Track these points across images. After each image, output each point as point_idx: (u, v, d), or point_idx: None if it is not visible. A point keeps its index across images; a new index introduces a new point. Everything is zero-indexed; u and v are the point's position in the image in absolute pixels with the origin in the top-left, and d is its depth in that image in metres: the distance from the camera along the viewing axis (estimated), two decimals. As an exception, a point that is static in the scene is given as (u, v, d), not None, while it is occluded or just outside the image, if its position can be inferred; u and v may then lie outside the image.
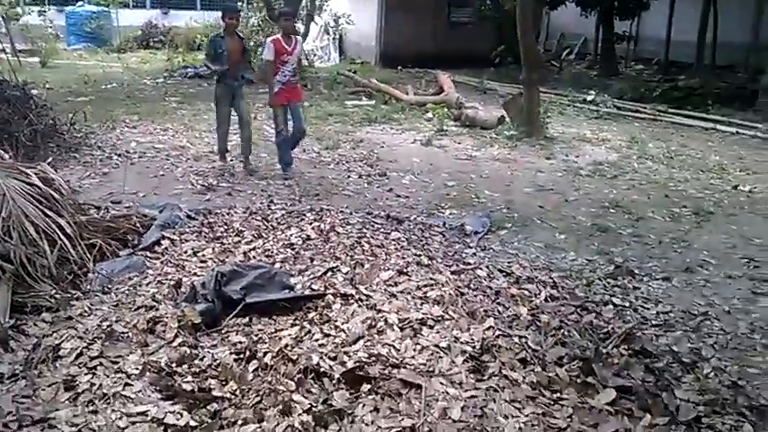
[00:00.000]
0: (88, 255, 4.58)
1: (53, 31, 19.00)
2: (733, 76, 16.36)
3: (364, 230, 5.63)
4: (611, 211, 7.12)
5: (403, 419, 2.89)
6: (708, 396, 3.22)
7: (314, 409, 2.94)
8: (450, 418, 2.92)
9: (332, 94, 13.66)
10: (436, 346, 3.48)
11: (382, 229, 5.76)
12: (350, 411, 2.93)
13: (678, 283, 5.32)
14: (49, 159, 5.74)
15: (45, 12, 19.56)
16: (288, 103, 7.58)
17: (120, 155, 8.26)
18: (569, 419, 2.94)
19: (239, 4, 20.41)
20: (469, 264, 5.10)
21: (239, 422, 2.88)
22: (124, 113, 10.80)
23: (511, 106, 11.07)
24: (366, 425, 2.87)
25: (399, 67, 17.75)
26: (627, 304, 4.81)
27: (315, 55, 19.35)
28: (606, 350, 3.53)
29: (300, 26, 17.17)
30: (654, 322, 4.57)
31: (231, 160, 8.19)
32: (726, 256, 5.94)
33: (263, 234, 5.55)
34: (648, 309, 4.80)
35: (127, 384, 3.17)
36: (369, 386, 3.08)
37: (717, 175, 8.77)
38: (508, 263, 5.30)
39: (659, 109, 13.04)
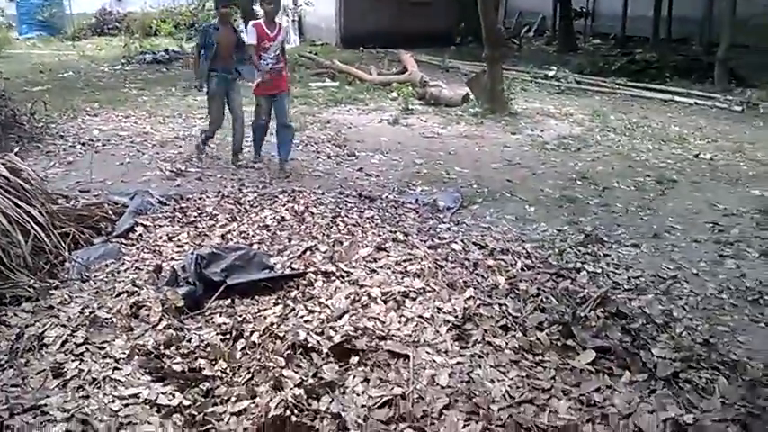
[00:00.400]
0: (62, 244, 4.53)
1: (4, 20, 18.47)
2: (688, 49, 16.70)
3: (338, 210, 5.67)
4: (578, 182, 7.27)
5: (393, 388, 2.95)
6: (683, 353, 3.35)
7: (305, 382, 2.98)
8: (438, 384, 3.00)
9: (295, 77, 13.53)
10: (420, 317, 3.55)
11: (356, 208, 5.81)
12: (340, 383, 2.99)
13: (647, 249, 5.48)
14: (15, 150, 5.62)
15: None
16: (272, 94, 7.14)
17: (83, 143, 8.11)
18: (552, 380, 3.04)
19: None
20: (444, 238, 5.17)
21: (232, 399, 2.91)
22: (84, 102, 10.59)
23: (475, 84, 11.16)
24: (357, 395, 2.93)
25: (361, 48, 17.70)
26: (599, 270, 4.95)
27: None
28: (583, 314, 3.64)
29: (259, 9, 16.99)
30: (626, 287, 4.71)
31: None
32: (691, 222, 6.14)
33: (237, 217, 5.54)
34: (620, 274, 4.95)
35: (116, 368, 3.17)
36: (357, 358, 3.13)
37: (678, 144, 9.00)
38: (482, 236, 5.39)
39: (618, 82, 13.28)
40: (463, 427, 2.75)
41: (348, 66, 13.94)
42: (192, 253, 4.10)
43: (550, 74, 13.90)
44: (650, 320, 3.97)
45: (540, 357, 3.22)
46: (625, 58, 15.74)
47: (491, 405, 2.84)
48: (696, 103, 11.78)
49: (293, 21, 19.83)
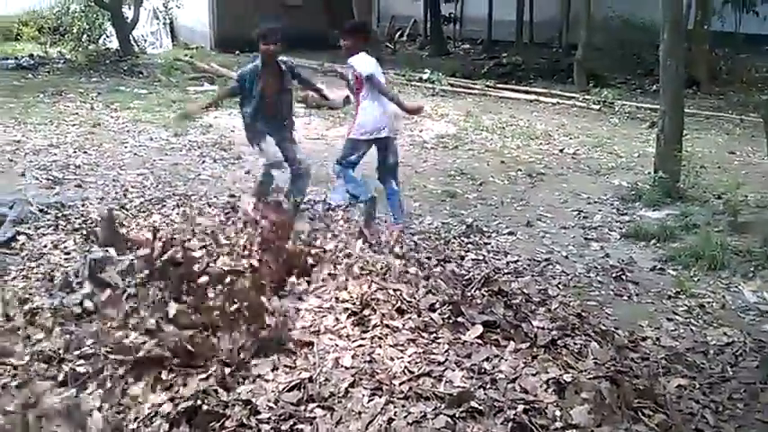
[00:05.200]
0: (-60, 255, 4.32)
1: None
2: (550, 51, 17.84)
3: (231, 213, 5.70)
4: (457, 178, 7.69)
5: (300, 372, 3.10)
6: (558, 323, 3.72)
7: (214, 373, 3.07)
8: (342, 366, 3.17)
9: (171, 81, 13.29)
10: (320, 307, 3.72)
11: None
12: (252, 372, 3.10)
13: (522, 236, 5.94)
14: None
15: None
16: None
17: (-54, 155, 7.64)
18: (446, 354, 3.30)
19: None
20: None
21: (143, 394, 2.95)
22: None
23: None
24: (267, 381, 3.05)
25: (237, 52, 17.52)
26: (481, 257, 5.33)
27: (146, 41, 18.60)
28: (470, 293, 3.94)
29: (128, 11, 16.46)
30: (505, 270, 5.11)
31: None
32: (559, 210, 6.69)
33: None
34: (500, 259, 5.36)
35: (15, 375, 3.12)
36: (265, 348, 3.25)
37: (544, 141, 9.68)
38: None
39: (488, 84, 14.00)
40: (368, 402, 2.94)
41: (227, 69, 13.81)
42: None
43: (425, 77, 14.42)
44: (529, 298, 4.35)
45: (435, 335, 3.47)
46: (492, 62, 16.64)
47: (393, 380, 3.05)
48: (558, 102, 12.65)
49: (164, 24, 19.33)
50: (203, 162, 7.91)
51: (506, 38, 18.81)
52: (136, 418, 2.85)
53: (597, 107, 12.18)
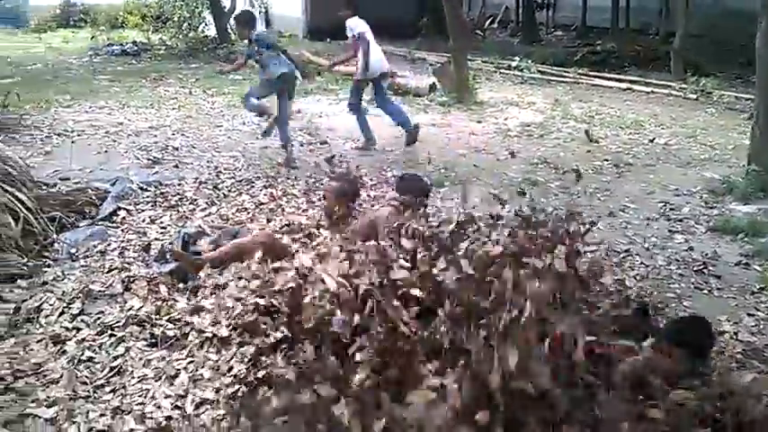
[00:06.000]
0: (50, 227, 4.74)
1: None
2: (646, 38, 17.22)
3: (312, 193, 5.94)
4: (540, 167, 7.63)
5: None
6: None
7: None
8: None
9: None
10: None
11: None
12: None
13: (603, 227, 5.84)
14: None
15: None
16: None
17: (59, 134, 8.22)
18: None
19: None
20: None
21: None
22: (55, 93, 10.64)
23: (441, 74, 11.48)
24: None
25: (328, 39, 17.87)
26: (557, 246, 5.30)
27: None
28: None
29: (226, 1, 17.08)
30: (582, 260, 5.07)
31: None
32: (644, 202, 6.54)
33: (216, 201, 5.79)
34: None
35: (112, 335, 3.42)
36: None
37: (634, 130, 9.43)
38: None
39: (579, 72, 13.71)
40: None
41: (316, 56, 14.12)
42: (179, 231, 4.34)
43: (514, 64, 14.28)
44: (604, 290, 4.32)
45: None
46: (585, 49, 16.21)
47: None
48: (653, 91, 12.25)
49: (260, 12, 19.91)
50: (291, 146, 8.17)
51: (601, 24, 18.30)
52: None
53: (694, 97, 11.72)
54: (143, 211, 5.42)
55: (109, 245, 4.68)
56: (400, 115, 8.20)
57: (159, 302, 3.68)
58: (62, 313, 3.63)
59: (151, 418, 2.75)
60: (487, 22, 21.88)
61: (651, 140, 8.85)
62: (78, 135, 8.27)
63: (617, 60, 15.03)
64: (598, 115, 10.34)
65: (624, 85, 12.70)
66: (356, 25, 7.79)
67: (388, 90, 11.42)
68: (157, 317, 3.55)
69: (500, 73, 14.04)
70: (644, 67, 14.33)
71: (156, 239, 4.78)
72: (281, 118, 7.53)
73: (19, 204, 4.60)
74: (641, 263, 5.11)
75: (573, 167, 7.13)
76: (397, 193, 4.71)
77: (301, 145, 8.24)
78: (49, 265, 4.28)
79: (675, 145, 8.70)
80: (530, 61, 14.34)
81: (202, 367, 3.13)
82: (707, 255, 5.22)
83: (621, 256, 5.24)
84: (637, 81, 12.85)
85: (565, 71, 13.95)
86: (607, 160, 7.89)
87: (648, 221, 6.03)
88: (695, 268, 4.99)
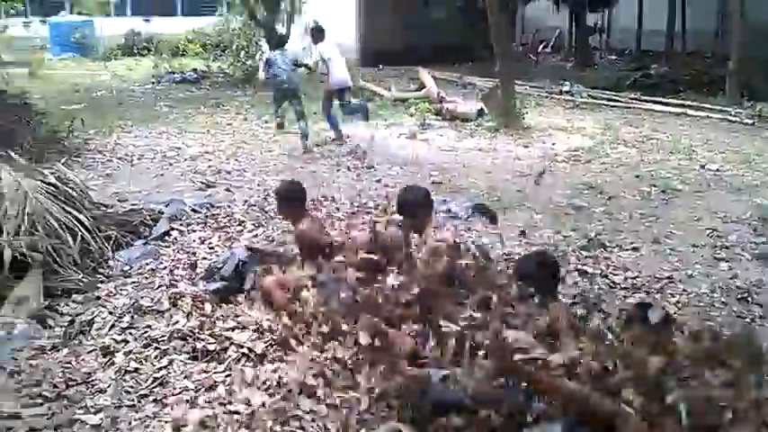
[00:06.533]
0: (106, 245, 5.01)
1: (39, 42, 19.26)
2: (702, 62, 16.94)
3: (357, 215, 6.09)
4: (585, 192, 7.62)
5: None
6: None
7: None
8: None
9: (317, 94, 14.05)
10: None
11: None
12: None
13: (646, 253, 5.83)
14: (63, 160, 6.14)
15: (29, 23, 19.86)
16: None
17: (119, 158, 8.66)
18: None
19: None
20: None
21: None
22: (118, 119, 11.17)
23: (489, 99, 11.58)
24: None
25: (380, 65, 18.20)
26: (598, 272, 5.32)
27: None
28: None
29: (282, 28, 17.56)
30: (622, 285, 5.08)
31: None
32: (691, 228, 6.47)
33: (263, 223, 5.99)
34: (618, 275, 5.30)
35: (156, 348, 3.62)
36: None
37: (685, 156, 9.31)
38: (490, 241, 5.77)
39: (632, 97, 13.59)
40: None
41: (367, 83, 14.42)
42: (232, 253, 4.54)
43: (564, 89, 14.25)
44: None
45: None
46: (639, 73, 16.05)
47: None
48: (708, 116, 12.04)
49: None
50: (338, 170, 8.39)
51: (656, 48, 18.11)
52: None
53: (750, 122, 11.48)
54: (193, 231, 5.66)
55: (160, 263, 4.92)
56: (335, 126, 10.01)
57: (203, 318, 3.87)
58: (112, 326, 3.86)
59: (186, 426, 2.90)
60: (541, 47, 21.90)
61: (702, 166, 8.72)
62: (138, 159, 8.69)
63: (671, 84, 14.81)
64: (649, 140, 10.25)
65: (678, 110, 12.53)
66: (324, 50, 9.90)
67: (437, 114, 11.66)
68: (200, 332, 3.73)
69: (550, 98, 14.02)
70: (699, 91, 14.07)
71: (203, 258, 5.00)
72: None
73: (78, 224, 4.89)
74: (683, 290, 5.07)
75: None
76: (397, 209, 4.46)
77: (348, 169, 8.43)
78: (103, 282, 4.54)
79: (728, 171, 8.56)
80: (580, 86, 14.29)
81: (239, 381, 3.28)
82: (751, 283, 5.15)
83: (664, 282, 5.20)
84: (691, 105, 12.65)
85: (617, 95, 13.84)
86: (655, 186, 7.82)
87: (694, 248, 5.96)
88: (738, 296, 4.93)
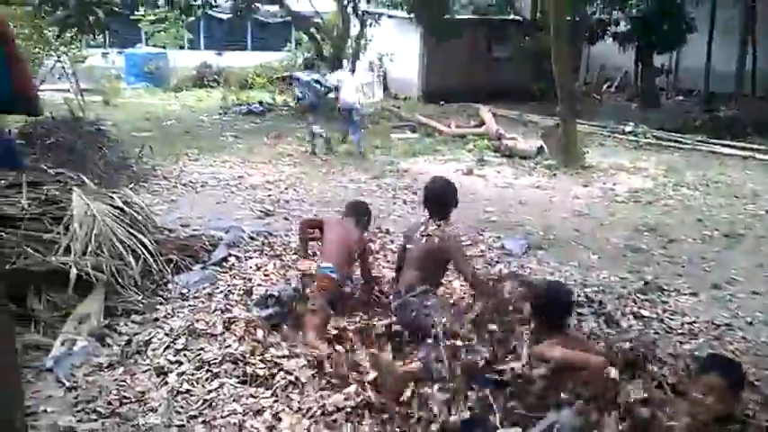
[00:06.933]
0: (167, 268, 5.20)
1: (115, 71, 20.19)
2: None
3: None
4: (645, 234, 7.47)
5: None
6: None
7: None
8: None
9: (377, 129, 14.29)
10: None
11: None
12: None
13: (705, 298, 5.67)
14: (130, 185, 6.42)
15: (108, 53, 20.86)
16: None
17: (184, 184, 8.97)
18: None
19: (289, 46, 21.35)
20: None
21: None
22: (185, 147, 11.58)
23: (549, 137, 11.53)
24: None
25: (442, 102, 18.35)
26: (654, 316, 5.20)
27: (362, 92, 20.09)
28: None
29: (347, 64, 17.98)
30: (679, 331, 4.95)
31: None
32: (753, 275, 6.26)
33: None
34: (674, 320, 5.17)
35: (208, 370, 3.72)
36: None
37: (751, 201, 9.03)
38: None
39: (698, 139, 13.28)
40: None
41: (427, 118, 14.57)
42: (289, 281, 4.65)
43: (628, 129, 14.05)
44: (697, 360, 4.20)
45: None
46: (707, 115, 15.70)
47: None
48: (777, 160, 11.68)
49: (378, 76, 20.77)
50: (395, 203, 8.48)
51: (725, 89, 17.71)
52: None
53: (819, 167, 11.08)
54: (251, 258, 5.81)
55: (216, 287, 5.07)
56: (355, 134, 11.64)
57: (254, 343, 3.96)
58: (167, 348, 3.99)
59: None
60: (605, 86, 21.69)
61: (767, 211, 8.45)
62: (201, 186, 8.99)
63: (739, 128, 14.42)
64: (713, 183, 9.99)
65: (745, 153, 12.19)
66: (338, 78, 12.04)
67: (496, 151, 11.67)
68: (251, 357, 3.82)
69: (613, 137, 13.84)
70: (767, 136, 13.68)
71: (258, 285, 5.12)
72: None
73: (141, 247, 5.09)
74: (742, 337, 4.91)
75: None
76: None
77: (404, 202, 8.51)
78: (161, 303, 4.71)
79: (794, 217, 8.26)
80: (644, 126, 14.07)
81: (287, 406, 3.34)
82: (813, 333, 4.94)
83: (722, 329, 5.05)
84: (759, 149, 12.29)
85: (682, 137, 13.55)
86: (717, 230, 7.61)
87: (755, 295, 5.76)
88: (800, 347, 4.74)
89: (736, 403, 3.26)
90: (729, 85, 17.38)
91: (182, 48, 22.73)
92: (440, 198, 4.66)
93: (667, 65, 20.55)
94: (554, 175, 10.28)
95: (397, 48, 20.00)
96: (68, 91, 14.77)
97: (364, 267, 5.09)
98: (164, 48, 21.72)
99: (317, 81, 11.42)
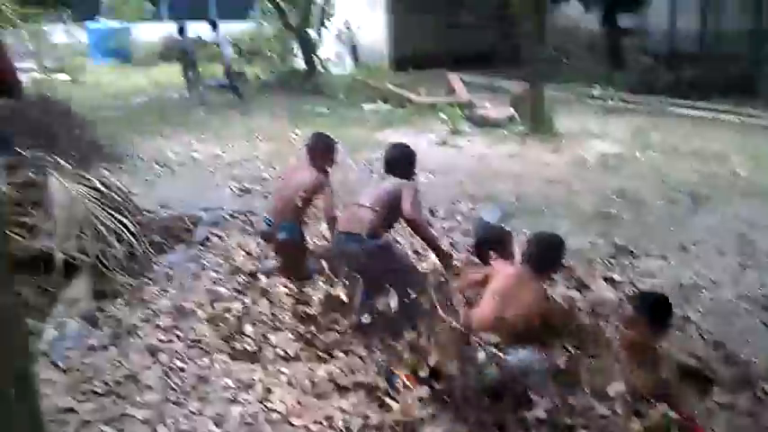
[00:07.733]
0: (150, 249, 5.27)
1: (80, 48, 19.79)
2: (735, 65, 16.75)
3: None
4: (614, 198, 7.69)
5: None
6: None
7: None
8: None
9: (349, 100, 14.30)
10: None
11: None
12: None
13: (673, 260, 5.90)
14: (105, 166, 6.44)
15: (69, 29, 20.48)
16: None
17: (160, 165, 8.95)
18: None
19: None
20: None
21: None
22: (158, 125, 11.50)
23: (518, 103, 11.66)
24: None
25: (409, 69, 18.31)
26: (625, 279, 5.42)
27: (330, 62, 19.99)
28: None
29: (313, 34, 17.85)
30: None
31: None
32: (719, 235, 6.48)
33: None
34: (644, 282, 5.39)
35: (200, 348, 3.85)
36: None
37: (717, 162, 9.26)
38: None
39: (663, 101, 13.53)
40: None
41: (398, 88, 14.58)
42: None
43: (596, 93, 14.25)
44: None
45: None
46: (672, 76, 15.95)
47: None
48: (742, 121, 11.96)
49: (346, 45, 20.64)
50: (371, 177, 8.52)
51: (690, 50, 17.95)
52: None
53: (786, 126, 11.39)
54: (231, 237, 5.90)
55: (201, 267, 5.17)
56: None
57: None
58: (157, 327, 4.10)
59: (228, 422, 3.12)
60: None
61: (733, 173, 8.71)
62: (178, 165, 8.98)
63: (704, 88, 14.70)
64: (680, 146, 10.23)
65: (711, 115, 12.47)
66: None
67: (467, 120, 11.80)
68: (239, 334, 3.95)
69: (580, 101, 14.03)
70: (735, 96, 13.95)
71: (242, 262, 5.23)
72: None
73: (123, 229, 5.15)
74: (709, 297, 5.15)
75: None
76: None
77: (380, 177, 8.58)
78: (148, 284, 4.80)
79: (760, 178, 8.53)
80: (611, 89, 14.27)
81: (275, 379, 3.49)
82: (777, 291, 5.20)
83: (689, 289, 5.28)
84: (725, 110, 12.57)
85: (648, 100, 13.80)
86: (682, 191, 7.85)
87: (721, 255, 6.01)
88: (764, 305, 4.99)
89: (656, 335, 3.60)
90: (695, 45, 17.63)
91: (143, 20, 22.31)
92: (399, 161, 4.71)
93: (632, 26, 20.72)
94: (524, 142, 10.43)
95: (364, 16, 19.90)
96: (34, 71, 14.49)
97: (326, 210, 4.94)
98: (125, 21, 21.33)
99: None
